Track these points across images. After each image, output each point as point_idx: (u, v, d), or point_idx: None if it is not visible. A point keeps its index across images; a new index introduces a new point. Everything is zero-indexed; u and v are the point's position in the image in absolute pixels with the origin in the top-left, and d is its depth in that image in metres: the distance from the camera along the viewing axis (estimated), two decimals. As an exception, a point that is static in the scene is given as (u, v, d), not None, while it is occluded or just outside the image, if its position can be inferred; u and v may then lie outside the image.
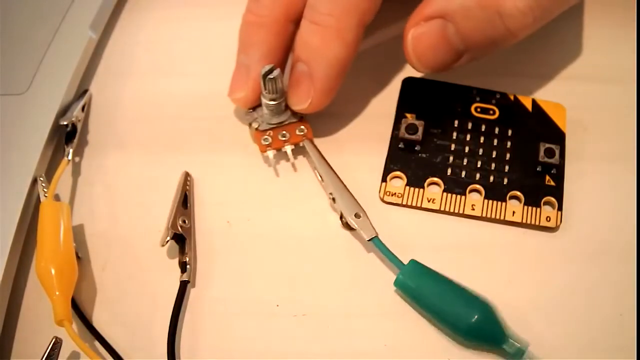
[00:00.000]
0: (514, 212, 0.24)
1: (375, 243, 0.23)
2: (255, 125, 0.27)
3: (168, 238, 0.24)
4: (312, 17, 0.25)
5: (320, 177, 0.26)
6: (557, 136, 0.26)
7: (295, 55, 0.26)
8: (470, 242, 0.25)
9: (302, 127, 0.27)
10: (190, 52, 0.32)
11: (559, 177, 0.25)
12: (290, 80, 0.26)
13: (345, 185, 0.25)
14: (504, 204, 0.25)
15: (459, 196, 0.25)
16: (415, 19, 0.24)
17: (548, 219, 0.24)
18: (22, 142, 0.26)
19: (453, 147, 0.26)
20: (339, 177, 0.25)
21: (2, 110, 0.27)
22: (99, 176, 0.27)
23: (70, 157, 0.27)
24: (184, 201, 0.26)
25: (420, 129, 0.26)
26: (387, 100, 0.28)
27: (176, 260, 0.25)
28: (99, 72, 0.31)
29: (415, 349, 0.22)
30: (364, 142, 0.27)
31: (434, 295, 0.22)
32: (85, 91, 0.30)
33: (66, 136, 0.27)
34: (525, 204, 0.25)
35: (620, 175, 0.26)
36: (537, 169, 0.25)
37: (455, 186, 0.25)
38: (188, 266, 0.24)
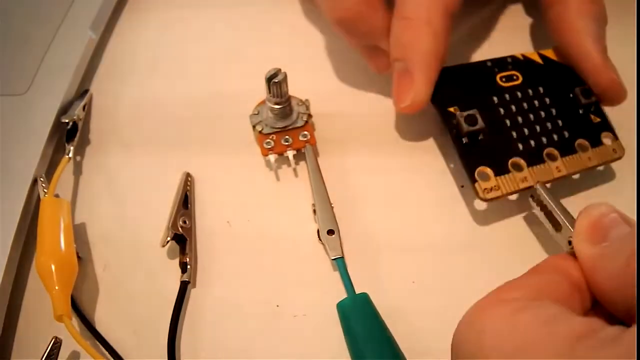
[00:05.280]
0: (589, 158, 0.25)
1: (338, 263, 0.24)
2: (259, 128, 0.27)
3: (168, 238, 0.24)
4: (401, 12, 0.25)
5: (311, 185, 0.26)
6: (578, 77, 0.27)
7: (391, 57, 0.26)
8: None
9: (306, 132, 0.27)
10: (190, 52, 0.32)
11: (600, 112, 0.26)
12: (393, 83, 0.26)
13: (329, 200, 0.25)
14: (577, 155, 0.25)
15: (542, 165, 0.25)
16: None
17: (614, 151, 0.26)
18: (23, 142, 0.26)
19: (508, 122, 0.26)
20: (326, 190, 0.25)
21: (2, 110, 0.27)
22: (99, 176, 0.28)
23: (70, 154, 0.27)
24: (185, 201, 0.26)
25: (479, 118, 0.25)
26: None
27: (176, 261, 0.25)
28: (99, 72, 0.31)
29: (413, 349, 0.22)
30: (370, 142, 0.28)
31: (361, 334, 0.22)
32: (86, 91, 0.30)
33: (67, 134, 0.27)
34: (592, 146, 0.25)
35: (620, 175, 0.26)
36: (580, 112, 0.26)
37: (534, 157, 0.25)
38: (188, 266, 0.24)
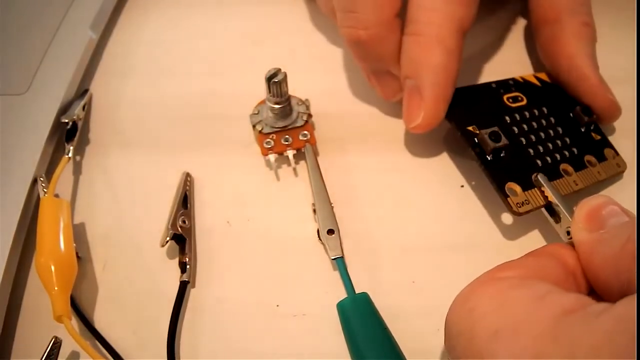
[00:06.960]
0: (599, 172, 0.26)
1: (337, 263, 0.24)
2: (259, 127, 0.27)
3: (168, 238, 0.24)
4: (412, 29, 0.25)
5: (311, 184, 0.26)
6: (572, 98, 0.27)
7: (402, 74, 0.25)
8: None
9: (306, 132, 0.27)
10: (190, 52, 0.32)
11: (600, 130, 0.27)
12: (403, 102, 0.25)
13: (329, 200, 0.25)
14: (587, 169, 0.26)
15: (561, 179, 0.25)
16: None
17: (618, 165, 0.26)
18: (23, 142, 0.26)
19: (524, 140, 0.26)
20: (326, 190, 0.25)
21: (2, 110, 0.27)
22: (99, 176, 0.27)
23: (70, 154, 0.27)
24: (184, 201, 0.26)
25: (502, 134, 0.25)
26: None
27: (176, 260, 0.25)
28: (99, 72, 0.31)
29: (413, 349, 0.22)
30: (370, 142, 0.28)
31: (361, 334, 0.22)
32: (86, 91, 0.30)
33: (67, 134, 0.27)
34: (599, 161, 0.26)
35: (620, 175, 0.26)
36: (582, 130, 0.27)
37: (552, 172, 0.25)
38: (188, 266, 0.24)
